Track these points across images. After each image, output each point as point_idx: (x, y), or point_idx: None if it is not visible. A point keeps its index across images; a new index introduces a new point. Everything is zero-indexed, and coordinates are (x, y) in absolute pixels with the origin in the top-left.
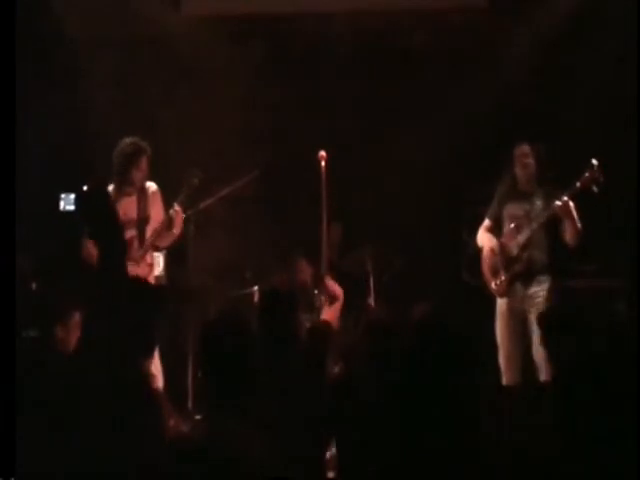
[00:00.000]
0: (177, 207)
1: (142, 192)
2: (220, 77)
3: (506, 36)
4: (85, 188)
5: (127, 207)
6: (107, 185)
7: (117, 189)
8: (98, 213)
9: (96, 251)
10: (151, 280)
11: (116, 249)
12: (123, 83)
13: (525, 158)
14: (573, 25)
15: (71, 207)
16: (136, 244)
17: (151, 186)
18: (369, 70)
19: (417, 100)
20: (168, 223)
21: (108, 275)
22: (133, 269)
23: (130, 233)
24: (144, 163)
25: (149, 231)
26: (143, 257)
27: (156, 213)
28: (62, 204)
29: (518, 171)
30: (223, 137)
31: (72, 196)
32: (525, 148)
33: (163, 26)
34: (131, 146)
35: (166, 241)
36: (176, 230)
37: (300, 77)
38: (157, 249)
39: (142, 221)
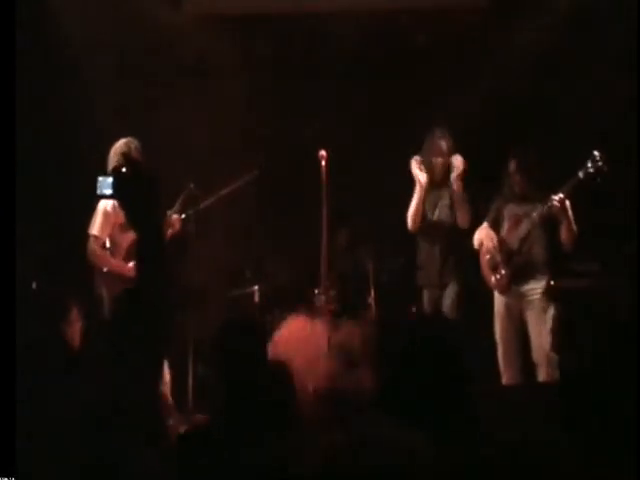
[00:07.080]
0: (174, 216)
1: None
2: (221, 76)
3: (506, 36)
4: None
5: None
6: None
7: None
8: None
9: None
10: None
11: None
12: (124, 82)
13: (515, 175)
14: (573, 25)
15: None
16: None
17: None
18: (369, 70)
19: (417, 100)
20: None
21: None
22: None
23: (131, 235)
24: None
25: None
26: None
27: None
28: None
29: (514, 183)
30: (224, 136)
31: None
32: (513, 165)
33: (164, 25)
34: (123, 146)
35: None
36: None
37: (301, 76)
38: None
39: None
